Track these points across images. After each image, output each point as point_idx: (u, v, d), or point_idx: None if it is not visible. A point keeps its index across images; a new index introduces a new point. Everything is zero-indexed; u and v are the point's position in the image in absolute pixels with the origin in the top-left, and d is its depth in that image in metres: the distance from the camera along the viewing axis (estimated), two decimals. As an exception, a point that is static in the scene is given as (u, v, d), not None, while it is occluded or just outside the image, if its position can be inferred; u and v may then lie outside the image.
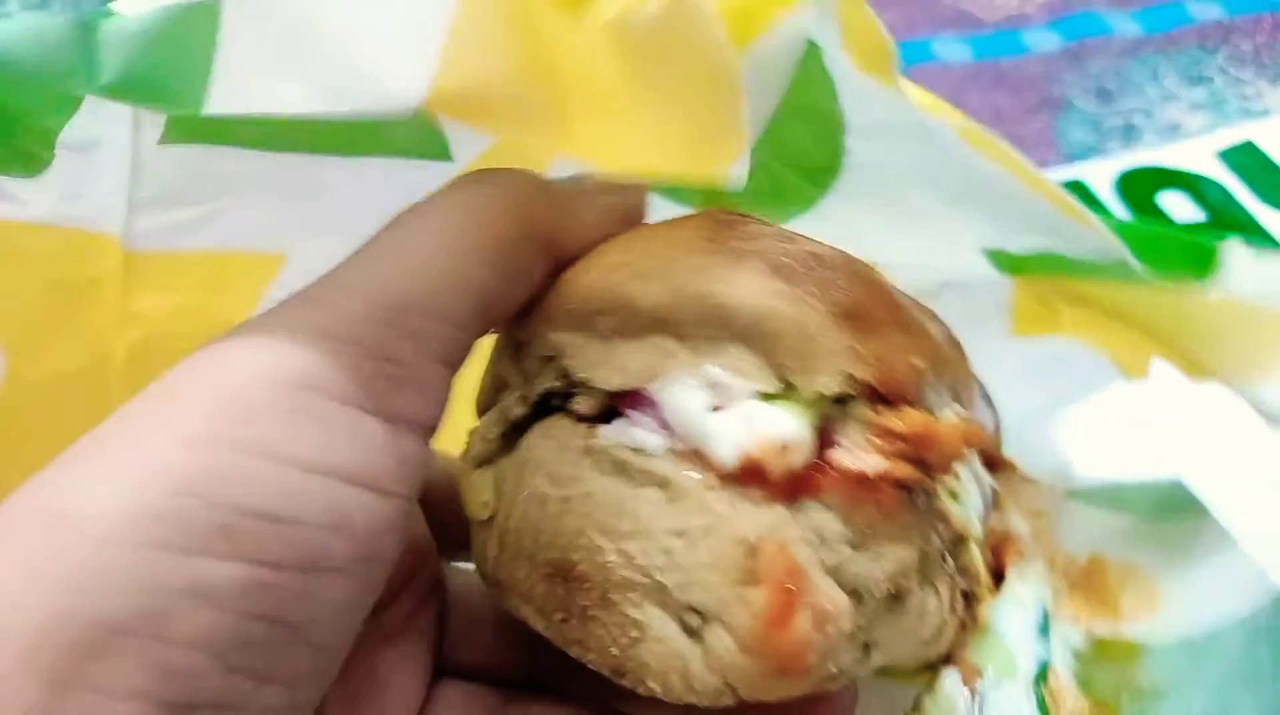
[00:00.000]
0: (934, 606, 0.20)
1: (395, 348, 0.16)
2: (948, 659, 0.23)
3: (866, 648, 0.18)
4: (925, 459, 0.18)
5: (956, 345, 0.23)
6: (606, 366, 0.18)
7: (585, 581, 0.17)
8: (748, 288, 0.17)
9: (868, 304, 0.18)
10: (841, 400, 0.18)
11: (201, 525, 0.14)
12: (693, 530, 0.17)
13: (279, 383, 0.15)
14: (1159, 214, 0.54)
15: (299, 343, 0.15)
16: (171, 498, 0.14)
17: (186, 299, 0.27)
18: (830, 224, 0.32)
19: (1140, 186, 0.55)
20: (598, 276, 0.19)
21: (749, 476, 0.17)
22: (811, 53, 0.26)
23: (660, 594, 0.17)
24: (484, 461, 0.20)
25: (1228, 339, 0.26)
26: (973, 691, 0.22)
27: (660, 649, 0.17)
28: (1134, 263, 0.25)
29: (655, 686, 0.17)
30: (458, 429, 0.21)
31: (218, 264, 0.27)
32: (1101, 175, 0.57)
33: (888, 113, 0.27)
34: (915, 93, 0.26)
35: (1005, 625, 0.23)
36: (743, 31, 0.20)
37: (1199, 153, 0.56)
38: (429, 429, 0.17)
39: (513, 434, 0.20)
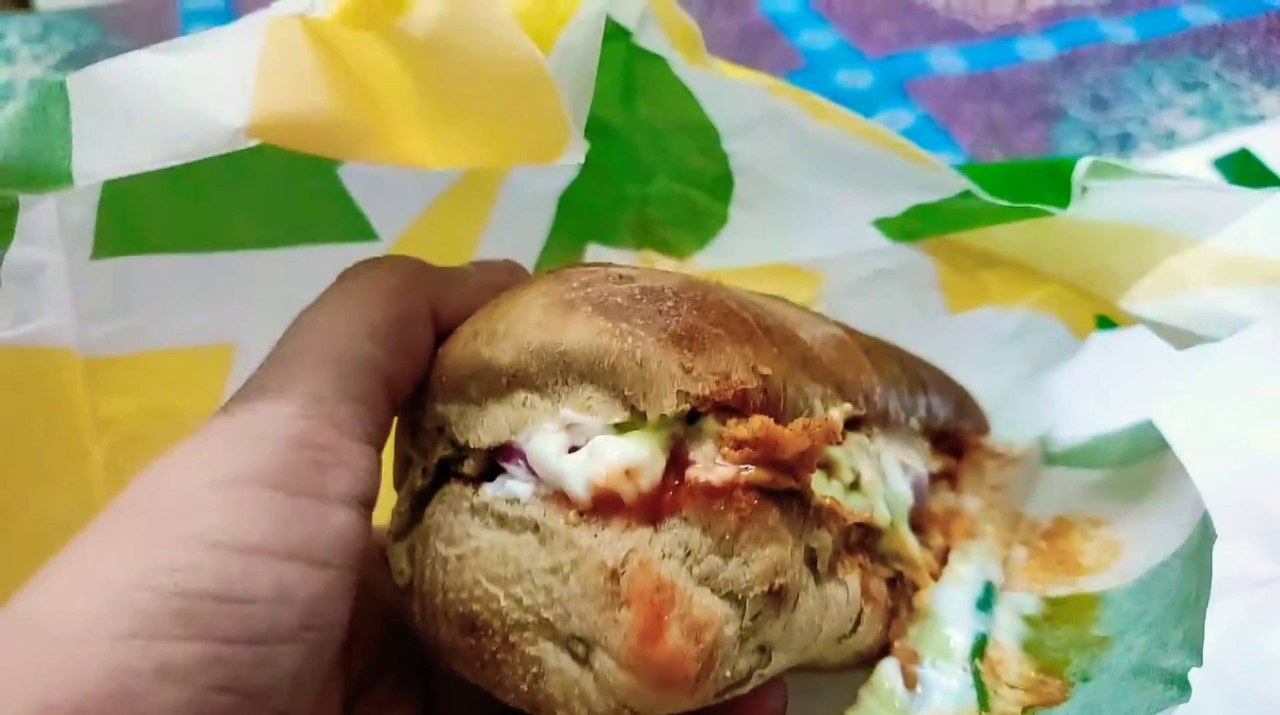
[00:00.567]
0: (843, 597, 0.20)
1: (318, 435, 0.18)
2: (889, 648, 0.23)
3: (764, 650, 0.19)
4: (781, 460, 0.19)
5: (847, 344, 0.24)
6: (479, 428, 0.20)
7: (488, 629, 0.19)
8: (579, 332, 0.19)
9: (700, 325, 0.19)
10: (694, 418, 0.19)
11: (161, 613, 0.15)
12: (563, 566, 0.18)
13: (218, 482, 0.17)
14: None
15: (232, 446, 0.17)
16: (132, 592, 0.15)
17: (151, 399, 0.29)
18: (746, 237, 0.34)
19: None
20: (462, 346, 0.21)
21: (605, 506, 0.18)
22: (656, 64, 0.27)
23: (549, 629, 0.18)
24: (400, 534, 0.22)
25: (1107, 259, 0.27)
26: (910, 677, 0.23)
27: (559, 679, 0.18)
28: (982, 194, 0.26)
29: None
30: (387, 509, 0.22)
31: (173, 361, 0.29)
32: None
33: (739, 104, 0.28)
34: (726, 68, 0.28)
35: (943, 607, 0.24)
36: (544, 29, 0.22)
37: (1194, 161, 0.56)
38: (362, 502, 0.19)
39: (419, 505, 0.22)
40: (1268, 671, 0.32)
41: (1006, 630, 0.25)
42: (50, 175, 0.18)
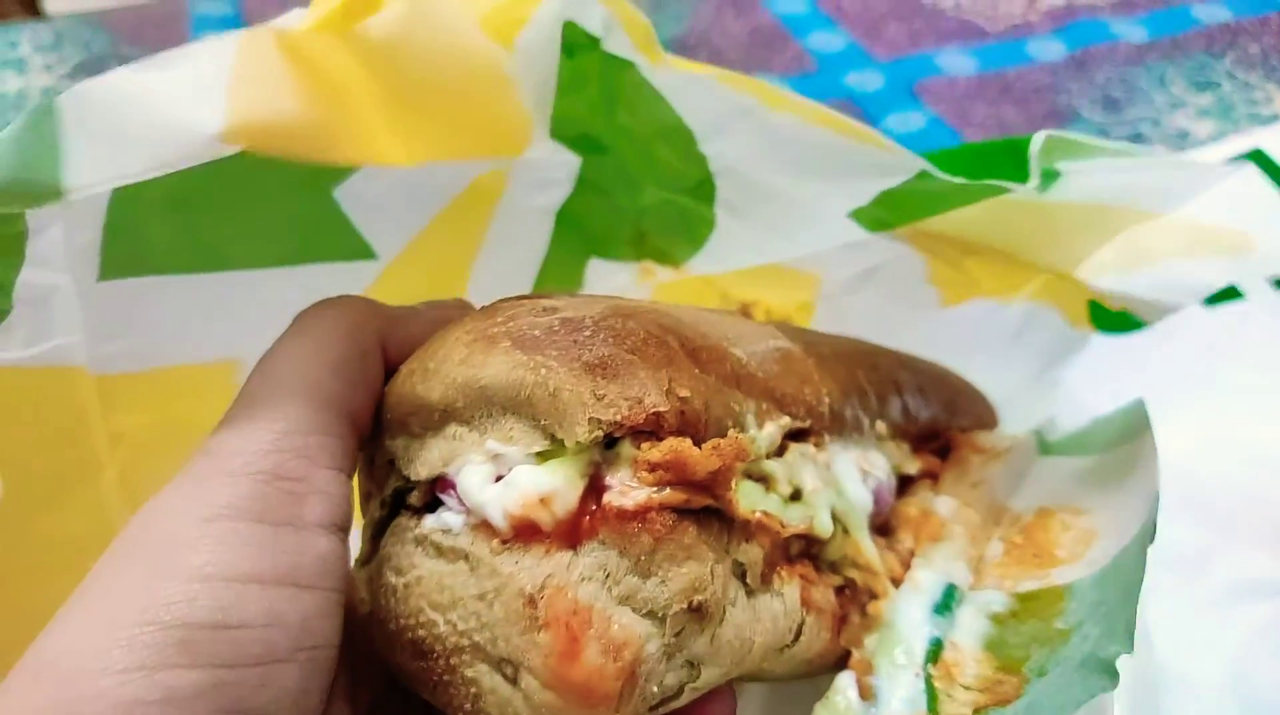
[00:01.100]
0: (779, 608, 0.21)
1: (290, 467, 0.19)
2: (846, 658, 0.24)
3: (692, 664, 0.20)
4: (695, 481, 0.19)
5: (792, 358, 0.24)
6: (419, 461, 0.21)
7: (433, 653, 0.20)
8: (497, 367, 0.20)
9: (615, 353, 0.20)
10: (612, 443, 0.20)
11: (163, 645, 0.17)
12: (489, 592, 0.19)
13: (205, 519, 0.18)
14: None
15: (215, 484, 0.19)
16: (136, 629, 0.17)
17: (161, 414, 0.30)
18: (734, 240, 0.34)
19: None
20: (402, 383, 0.22)
21: (525, 533, 0.19)
22: (627, 70, 0.28)
23: (482, 652, 0.20)
24: (362, 564, 0.23)
25: (1074, 238, 0.28)
26: (865, 689, 0.23)
27: (495, 699, 0.20)
28: (939, 174, 0.26)
29: None
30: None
31: (181, 377, 0.30)
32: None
33: (706, 102, 0.29)
34: (675, 62, 0.28)
35: (900, 615, 0.24)
36: (504, 30, 0.23)
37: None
38: (339, 526, 0.20)
39: (376, 536, 0.23)
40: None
41: (967, 631, 0.25)
42: (42, 190, 0.19)
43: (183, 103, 0.20)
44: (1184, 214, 0.27)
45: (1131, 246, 0.28)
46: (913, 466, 0.28)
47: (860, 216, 0.30)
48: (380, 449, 0.23)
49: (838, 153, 0.28)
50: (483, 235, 0.34)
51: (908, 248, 0.33)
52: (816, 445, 0.24)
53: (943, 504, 0.28)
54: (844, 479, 0.24)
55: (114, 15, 0.69)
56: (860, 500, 0.24)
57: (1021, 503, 0.31)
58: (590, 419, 0.19)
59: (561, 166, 0.34)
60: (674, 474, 0.19)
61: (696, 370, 0.21)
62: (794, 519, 0.22)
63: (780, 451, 0.22)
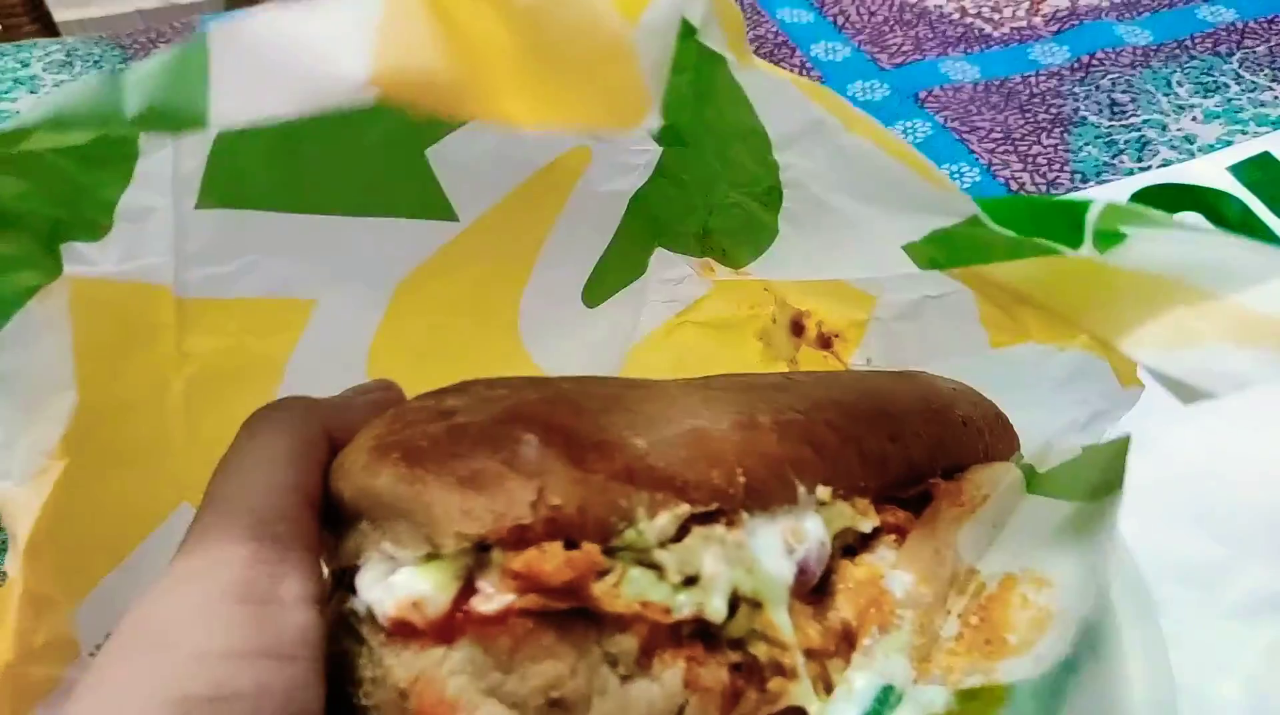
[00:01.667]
0: (655, 693, 0.23)
1: (266, 551, 0.22)
2: None
3: None
4: (553, 587, 0.21)
5: (705, 439, 0.25)
6: (340, 550, 0.24)
7: None
8: (385, 478, 0.22)
9: (486, 467, 0.22)
10: (487, 548, 0.22)
11: None
12: (374, 679, 0.22)
13: (197, 605, 0.21)
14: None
15: (203, 573, 0.21)
16: (144, 704, 0.19)
17: (232, 341, 0.31)
18: (795, 252, 0.34)
19: (1155, 207, 0.55)
20: (329, 476, 0.24)
21: (403, 631, 0.21)
22: (719, 65, 0.28)
23: None
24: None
25: (1129, 308, 0.27)
26: None
27: None
28: (990, 223, 0.27)
29: None
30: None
31: (257, 309, 0.31)
32: (1115, 197, 0.57)
33: (785, 111, 0.29)
34: (762, 65, 0.28)
35: None
36: (630, 5, 0.24)
37: (1214, 167, 0.56)
38: (315, 600, 0.22)
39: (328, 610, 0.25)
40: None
41: None
42: (188, 118, 0.20)
43: (331, 47, 0.20)
44: (1242, 299, 0.26)
45: (1179, 324, 0.26)
46: (867, 525, 0.28)
47: (912, 251, 0.30)
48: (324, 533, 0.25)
49: (898, 183, 0.28)
50: (558, 212, 0.35)
51: (960, 285, 0.33)
52: (729, 524, 0.24)
53: (897, 581, 0.28)
54: (761, 554, 0.25)
55: (125, 33, 0.70)
56: (778, 574, 0.25)
57: (992, 564, 0.30)
58: (456, 533, 0.21)
59: (644, 153, 0.35)
60: (529, 584, 0.21)
61: (579, 472, 0.22)
62: (682, 605, 0.23)
63: (680, 537, 0.24)
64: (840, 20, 0.72)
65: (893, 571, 0.28)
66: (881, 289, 0.37)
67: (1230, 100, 0.62)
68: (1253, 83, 0.64)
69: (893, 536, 0.29)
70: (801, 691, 0.24)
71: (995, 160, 0.60)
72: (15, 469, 0.26)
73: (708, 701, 0.23)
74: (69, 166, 0.25)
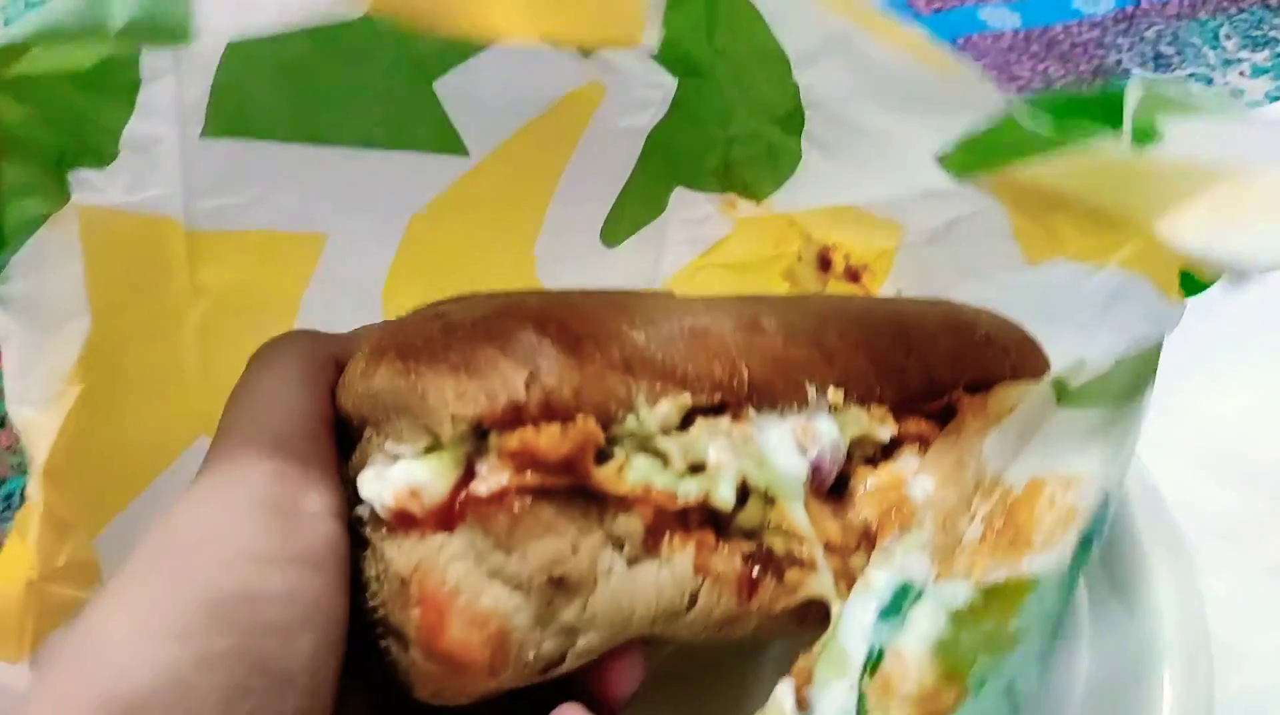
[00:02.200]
0: (666, 577, 0.22)
1: (288, 467, 0.22)
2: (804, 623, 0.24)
3: (570, 632, 0.22)
4: (551, 463, 0.21)
5: (707, 335, 0.25)
6: (350, 460, 0.24)
7: (374, 629, 0.23)
8: (382, 376, 0.23)
9: (480, 351, 0.22)
10: (484, 436, 0.22)
11: (195, 615, 0.19)
12: (381, 575, 0.22)
13: (228, 512, 0.21)
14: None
15: (231, 484, 0.22)
16: (170, 602, 0.20)
17: (245, 274, 0.31)
18: (819, 177, 0.34)
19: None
20: (337, 399, 0.25)
21: (403, 522, 0.21)
22: None
23: (385, 626, 0.22)
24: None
25: (1171, 198, 0.25)
26: (802, 700, 0.23)
27: (400, 667, 0.22)
28: (1020, 117, 0.25)
29: (420, 696, 0.22)
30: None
31: (268, 243, 0.31)
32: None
33: (803, 26, 0.28)
34: None
35: (847, 622, 0.24)
36: None
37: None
38: (338, 514, 0.23)
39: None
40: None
41: (917, 634, 0.24)
42: (172, 30, 0.20)
43: None
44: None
45: (1221, 205, 0.25)
46: (885, 432, 0.27)
47: (945, 161, 0.29)
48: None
49: (926, 88, 0.27)
50: (573, 148, 0.35)
51: (992, 200, 0.32)
52: (735, 418, 0.24)
53: (918, 485, 0.27)
54: (771, 451, 0.24)
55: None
56: (791, 469, 0.24)
57: (1019, 471, 0.29)
58: (452, 416, 0.21)
59: (658, 87, 0.34)
60: (526, 460, 0.21)
61: (574, 360, 0.22)
62: (689, 491, 0.23)
63: (685, 426, 0.23)
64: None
65: (915, 477, 0.27)
66: (907, 215, 0.36)
67: (1279, 55, 0.60)
68: (1305, 36, 0.61)
69: (916, 445, 0.28)
70: (821, 582, 0.24)
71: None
72: (33, 393, 0.26)
73: (723, 588, 0.23)
74: (70, 93, 0.24)
